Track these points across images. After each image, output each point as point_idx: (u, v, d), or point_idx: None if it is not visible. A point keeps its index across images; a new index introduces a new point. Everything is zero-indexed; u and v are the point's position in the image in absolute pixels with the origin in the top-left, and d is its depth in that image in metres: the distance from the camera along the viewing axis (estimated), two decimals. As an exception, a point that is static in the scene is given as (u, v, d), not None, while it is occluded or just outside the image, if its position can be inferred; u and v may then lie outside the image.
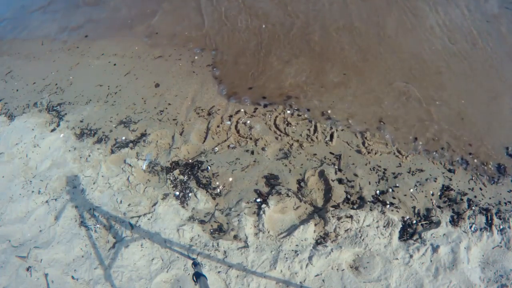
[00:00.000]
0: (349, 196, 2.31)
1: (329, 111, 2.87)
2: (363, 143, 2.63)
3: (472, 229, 2.14)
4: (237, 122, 2.85)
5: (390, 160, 2.53)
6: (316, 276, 1.99)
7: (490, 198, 2.31)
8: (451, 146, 2.57)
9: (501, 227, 2.16)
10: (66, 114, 3.22)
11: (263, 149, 2.63)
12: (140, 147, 2.75)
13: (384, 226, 2.14)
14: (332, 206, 2.24)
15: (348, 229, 2.13)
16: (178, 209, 2.35)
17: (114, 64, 3.68)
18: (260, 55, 3.45)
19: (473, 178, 2.42)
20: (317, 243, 2.11)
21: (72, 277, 2.12)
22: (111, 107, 3.19)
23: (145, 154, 2.69)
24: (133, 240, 2.19)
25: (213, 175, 2.51)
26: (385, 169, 2.47)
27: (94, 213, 2.40)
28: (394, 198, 2.29)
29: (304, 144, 2.64)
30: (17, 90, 3.72)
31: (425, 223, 2.18)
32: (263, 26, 3.71)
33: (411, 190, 2.33)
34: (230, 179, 2.48)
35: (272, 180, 2.44)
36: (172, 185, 2.48)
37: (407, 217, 2.21)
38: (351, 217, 2.16)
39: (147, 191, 2.47)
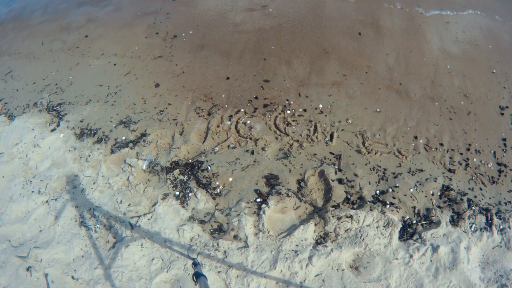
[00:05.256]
0: (349, 196, 2.31)
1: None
2: (363, 143, 2.63)
3: (472, 229, 2.14)
4: (237, 122, 2.85)
5: (390, 160, 2.53)
6: (316, 276, 1.99)
7: (490, 198, 2.31)
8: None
9: (501, 227, 2.16)
10: (66, 114, 3.22)
11: (263, 149, 2.63)
12: (140, 147, 2.75)
13: (384, 226, 2.14)
14: (332, 206, 2.24)
15: (348, 229, 2.13)
16: (178, 209, 2.35)
17: (114, 64, 3.68)
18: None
19: (473, 178, 2.42)
20: (317, 243, 2.11)
21: (72, 277, 2.12)
22: (111, 107, 3.19)
23: (145, 154, 2.69)
24: (133, 240, 2.19)
25: (213, 175, 2.51)
26: (385, 169, 2.47)
27: (94, 213, 2.40)
28: (394, 198, 2.29)
29: (304, 144, 2.64)
30: (17, 90, 3.72)
31: (425, 223, 2.18)
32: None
33: (411, 190, 2.33)
34: (230, 179, 2.48)
35: (272, 180, 2.43)
36: (172, 185, 2.47)
37: (407, 217, 2.21)
38: (351, 217, 2.16)
39: (147, 191, 2.47)
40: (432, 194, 2.32)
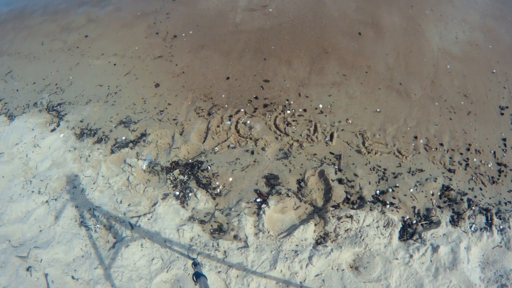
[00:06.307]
0: (349, 196, 2.31)
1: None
2: (363, 143, 2.63)
3: (472, 229, 2.14)
4: (237, 122, 2.85)
5: (390, 160, 2.53)
6: (316, 276, 1.99)
7: (490, 198, 2.31)
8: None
9: (501, 227, 2.16)
10: (66, 114, 3.22)
11: (263, 149, 2.63)
12: (140, 147, 2.75)
13: (384, 226, 2.14)
14: (332, 206, 2.24)
15: (348, 229, 2.13)
16: (178, 209, 2.35)
17: (114, 64, 3.68)
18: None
19: (473, 178, 2.42)
20: (317, 243, 2.11)
21: (72, 277, 2.12)
22: (111, 107, 3.19)
23: (145, 154, 2.69)
24: (133, 240, 2.19)
25: (213, 175, 2.51)
26: (385, 169, 2.47)
27: (94, 213, 2.40)
28: (394, 198, 2.29)
29: (304, 144, 2.64)
30: (17, 90, 3.72)
31: (425, 223, 2.18)
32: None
33: (411, 190, 2.33)
34: (230, 179, 2.48)
35: (272, 180, 2.44)
36: (172, 185, 2.47)
37: (407, 217, 2.21)
38: (351, 217, 2.16)
39: (147, 191, 2.47)
40: (432, 194, 2.32)
